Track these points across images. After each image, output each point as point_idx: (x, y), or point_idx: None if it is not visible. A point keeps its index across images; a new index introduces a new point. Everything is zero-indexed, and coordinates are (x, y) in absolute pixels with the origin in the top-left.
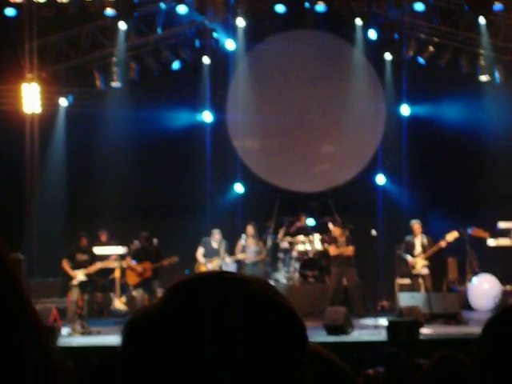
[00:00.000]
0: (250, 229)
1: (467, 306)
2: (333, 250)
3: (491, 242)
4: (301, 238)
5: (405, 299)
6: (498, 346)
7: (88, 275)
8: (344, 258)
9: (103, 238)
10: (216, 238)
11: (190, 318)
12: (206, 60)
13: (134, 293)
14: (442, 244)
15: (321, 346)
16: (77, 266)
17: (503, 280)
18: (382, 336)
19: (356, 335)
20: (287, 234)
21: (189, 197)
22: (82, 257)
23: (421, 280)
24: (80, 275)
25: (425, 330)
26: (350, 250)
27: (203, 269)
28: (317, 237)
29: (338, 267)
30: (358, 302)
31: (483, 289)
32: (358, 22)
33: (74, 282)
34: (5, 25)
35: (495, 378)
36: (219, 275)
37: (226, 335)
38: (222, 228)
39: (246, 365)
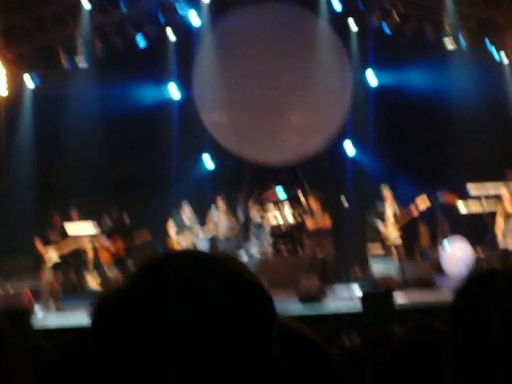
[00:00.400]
0: (221, 203)
1: (440, 272)
2: (311, 224)
3: (462, 208)
4: (272, 210)
5: (377, 266)
6: (468, 311)
7: (61, 255)
8: (321, 230)
9: (74, 216)
10: (186, 213)
11: (158, 296)
12: (171, 36)
13: (108, 272)
14: (414, 213)
15: (292, 318)
16: (50, 245)
17: (474, 245)
18: (356, 306)
19: (330, 306)
20: (258, 207)
21: (158, 172)
22: (54, 236)
23: (394, 250)
24: (53, 255)
25: (399, 298)
26: (327, 223)
27: (176, 246)
28: (288, 209)
29: (315, 238)
30: (333, 272)
31: (456, 255)
32: None
33: (48, 262)
34: None
35: (466, 344)
36: (188, 253)
37: (195, 313)
38: (193, 202)
39: (216, 342)
